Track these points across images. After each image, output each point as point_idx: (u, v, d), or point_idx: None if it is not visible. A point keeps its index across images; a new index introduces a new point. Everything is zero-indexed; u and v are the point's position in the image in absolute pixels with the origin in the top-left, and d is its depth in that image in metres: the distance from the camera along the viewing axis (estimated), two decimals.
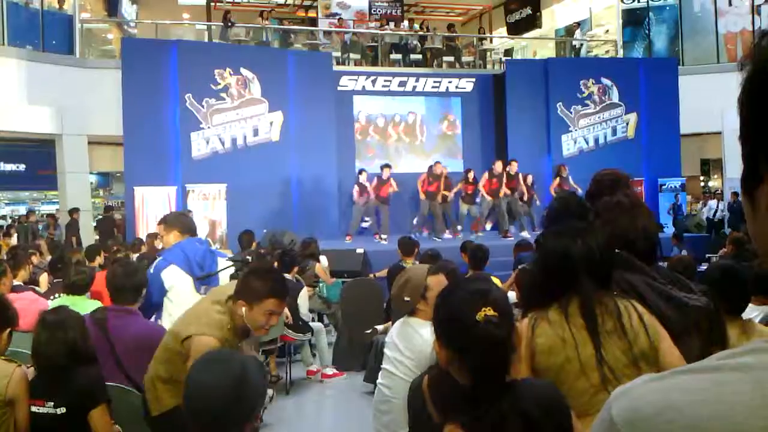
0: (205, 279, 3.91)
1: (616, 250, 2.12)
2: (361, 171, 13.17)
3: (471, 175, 13.18)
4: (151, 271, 3.87)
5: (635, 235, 2.20)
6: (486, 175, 12.93)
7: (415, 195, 13.53)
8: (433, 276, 3.06)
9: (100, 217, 15.78)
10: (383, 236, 12.72)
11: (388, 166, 13.12)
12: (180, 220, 4.18)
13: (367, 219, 13.51)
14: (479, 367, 1.61)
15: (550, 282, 2.08)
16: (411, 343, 2.99)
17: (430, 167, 13.24)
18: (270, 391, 5.65)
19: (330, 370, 7.13)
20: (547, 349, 1.97)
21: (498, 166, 12.97)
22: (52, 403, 2.83)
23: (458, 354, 1.63)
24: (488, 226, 13.05)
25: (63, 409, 2.82)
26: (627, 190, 2.45)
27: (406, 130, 15.60)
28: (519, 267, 5.72)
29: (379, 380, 3.17)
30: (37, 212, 18.03)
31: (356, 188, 12.89)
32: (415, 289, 3.04)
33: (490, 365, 1.60)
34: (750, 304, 4.23)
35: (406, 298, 3.03)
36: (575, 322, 1.96)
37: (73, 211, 13.81)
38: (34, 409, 2.85)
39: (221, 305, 2.82)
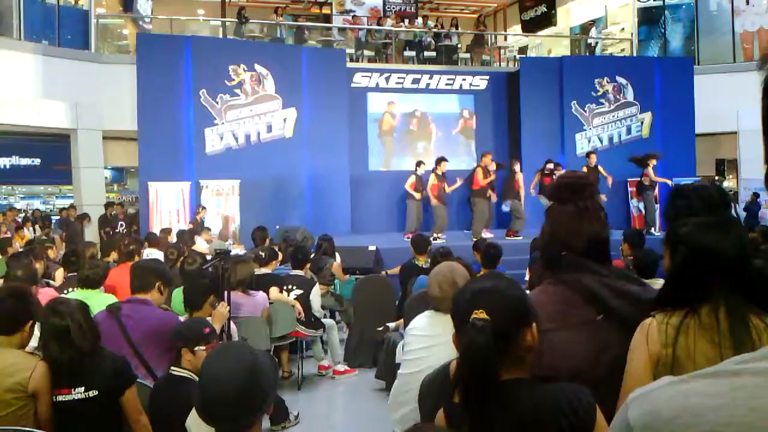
0: None
1: (563, 253, 2.06)
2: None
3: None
4: None
5: (576, 240, 2.10)
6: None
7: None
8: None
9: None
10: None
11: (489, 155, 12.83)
12: None
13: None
14: (461, 368, 1.60)
15: (689, 283, 1.82)
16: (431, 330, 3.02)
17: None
18: (296, 412, 5.72)
19: (341, 367, 7.14)
20: (688, 356, 1.75)
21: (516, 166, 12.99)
22: (83, 388, 2.87)
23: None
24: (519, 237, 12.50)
25: (95, 392, 2.87)
26: (584, 200, 2.28)
27: (420, 127, 15.56)
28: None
29: (400, 371, 3.19)
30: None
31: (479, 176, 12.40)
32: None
33: (468, 368, 1.57)
34: None
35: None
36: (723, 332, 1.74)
37: (108, 206, 14.58)
38: (60, 398, 2.88)
39: None
